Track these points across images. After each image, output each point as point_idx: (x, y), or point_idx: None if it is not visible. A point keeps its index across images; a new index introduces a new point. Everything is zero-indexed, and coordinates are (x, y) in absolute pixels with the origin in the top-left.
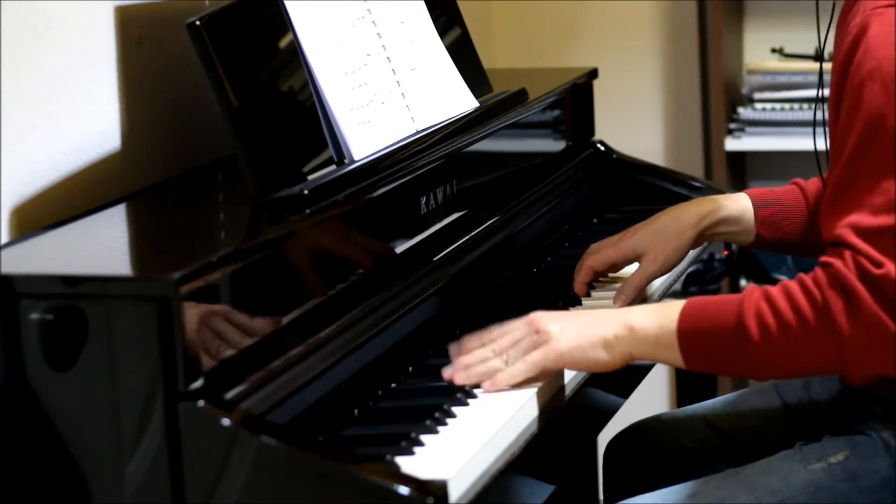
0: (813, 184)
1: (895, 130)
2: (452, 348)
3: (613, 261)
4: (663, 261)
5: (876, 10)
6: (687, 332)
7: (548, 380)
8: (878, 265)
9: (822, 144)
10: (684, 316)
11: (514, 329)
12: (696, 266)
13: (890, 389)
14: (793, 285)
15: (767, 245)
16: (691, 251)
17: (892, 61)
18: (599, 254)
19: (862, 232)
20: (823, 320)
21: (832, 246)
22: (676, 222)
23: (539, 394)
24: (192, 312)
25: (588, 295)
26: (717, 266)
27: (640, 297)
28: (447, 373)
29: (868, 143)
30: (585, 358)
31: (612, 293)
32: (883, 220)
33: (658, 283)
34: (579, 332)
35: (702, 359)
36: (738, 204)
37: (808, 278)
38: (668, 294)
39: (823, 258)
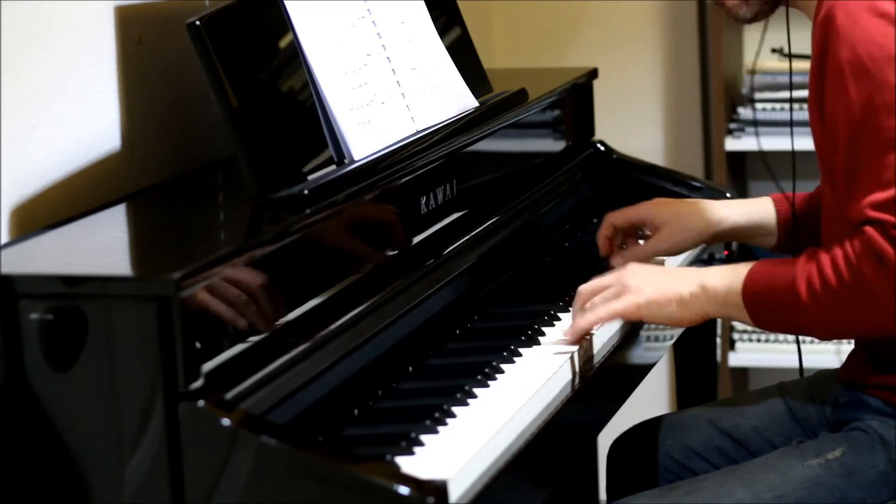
0: None
1: (884, 107)
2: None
3: (631, 219)
4: (671, 245)
5: (837, 2)
6: (751, 294)
7: (547, 380)
8: None
9: (805, 145)
10: (749, 278)
11: (605, 279)
12: (697, 265)
13: (888, 381)
14: (837, 251)
15: (789, 248)
16: (695, 250)
17: (866, 43)
18: (620, 211)
19: (879, 206)
20: (859, 282)
21: (857, 227)
22: (702, 217)
23: (539, 394)
24: (192, 312)
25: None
26: None
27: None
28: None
29: (861, 128)
30: (661, 312)
31: None
32: (894, 190)
33: None
34: (658, 288)
35: (766, 318)
36: (761, 209)
37: (848, 244)
38: None
39: (860, 227)
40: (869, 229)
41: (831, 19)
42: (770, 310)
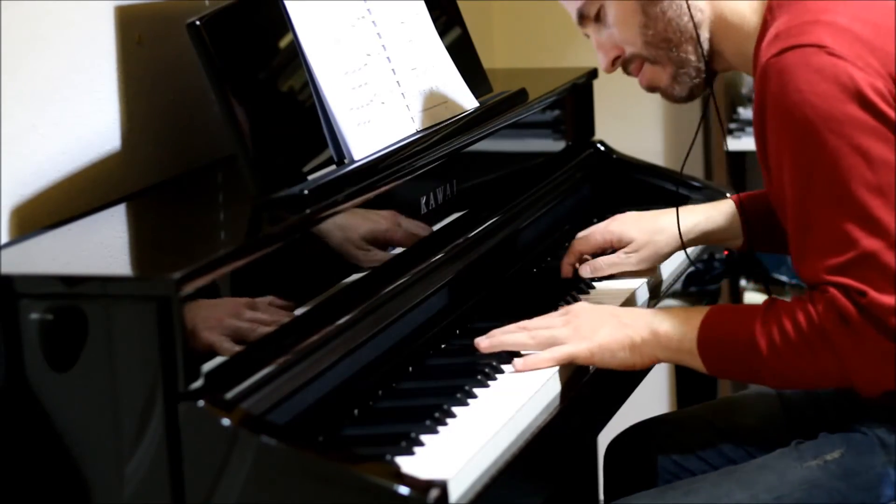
0: None
1: (823, 169)
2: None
3: (601, 246)
4: (642, 258)
5: (769, 61)
6: (706, 342)
7: (547, 380)
8: (862, 294)
9: None
10: (704, 325)
11: (552, 316)
12: (697, 266)
13: (883, 401)
14: (798, 307)
15: (757, 248)
16: (689, 250)
17: (800, 106)
18: (587, 240)
19: (834, 270)
20: (823, 342)
21: (812, 288)
22: (670, 229)
23: (539, 394)
24: (192, 312)
25: (593, 287)
26: (717, 266)
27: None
28: (480, 342)
29: (805, 191)
30: (613, 358)
31: (618, 283)
32: (847, 255)
33: (665, 284)
34: (610, 334)
35: (720, 367)
36: (725, 214)
37: (809, 304)
38: (668, 294)
39: (822, 287)
40: (832, 290)
41: (766, 80)
42: (726, 359)
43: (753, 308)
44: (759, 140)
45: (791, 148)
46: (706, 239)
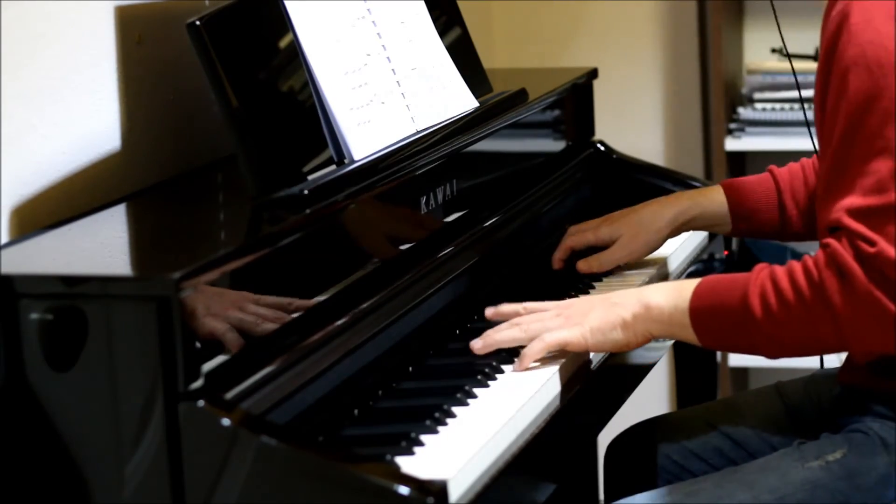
0: (787, 170)
1: (881, 113)
2: (489, 310)
3: (591, 244)
4: (632, 250)
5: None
6: (698, 311)
7: (547, 380)
8: (872, 244)
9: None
10: (696, 295)
11: (544, 308)
12: (696, 266)
13: (887, 386)
14: (795, 265)
15: (744, 233)
16: (690, 250)
17: (875, 46)
18: (578, 236)
19: (854, 213)
20: (819, 299)
21: (830, 231)
22: (654, 218)
23: (539, 394)
24: (192, 312)
25: (600, 281)
26: (717, 266)
27: (603, 273)
28: (474, 345)
29: (855, 128)
30: (606, 340)
31: (621, 281)
32: (873, 199)
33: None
34: (601, 316)
35: (714, 337)
36: (713, 200)
37: (809, 259)
38: None
39: (823, 240)
40: (833, 243)
41: (846, 16)
42: (719, 327)
43: (742, 275)
44: (821, 84)
45: (855, 83)
46: (694, 225)
